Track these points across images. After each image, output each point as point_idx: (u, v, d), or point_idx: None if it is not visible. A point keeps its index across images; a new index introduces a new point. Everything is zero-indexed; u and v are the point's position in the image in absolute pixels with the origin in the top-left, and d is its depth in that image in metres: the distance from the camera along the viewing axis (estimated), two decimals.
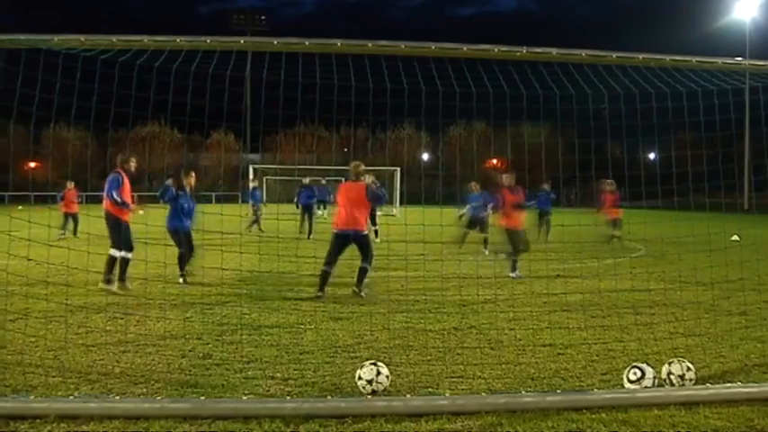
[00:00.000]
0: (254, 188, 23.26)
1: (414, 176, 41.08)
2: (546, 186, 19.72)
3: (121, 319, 7.12)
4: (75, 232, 18.38)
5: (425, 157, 76.82)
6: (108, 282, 9.04)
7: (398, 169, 39.35)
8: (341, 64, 5.22)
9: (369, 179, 19.61)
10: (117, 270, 9.18)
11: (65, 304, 7.42)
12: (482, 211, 15.01)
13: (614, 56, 5.02)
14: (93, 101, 5.71)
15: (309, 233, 19.06)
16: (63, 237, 17.24)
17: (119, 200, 9.09)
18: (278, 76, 5.57)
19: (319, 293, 8.77)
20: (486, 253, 14.51)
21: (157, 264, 9.84)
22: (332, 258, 8.95)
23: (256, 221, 21.39)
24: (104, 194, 9.18)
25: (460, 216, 15.59)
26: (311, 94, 5.84)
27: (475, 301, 8.47)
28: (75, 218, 18.47)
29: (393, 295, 8.90)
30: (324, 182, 25.56)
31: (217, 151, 78.21)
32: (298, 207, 20.92)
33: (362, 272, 9.01)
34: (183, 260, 10.17)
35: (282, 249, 13.36)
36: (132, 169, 9.64)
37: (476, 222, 15.34)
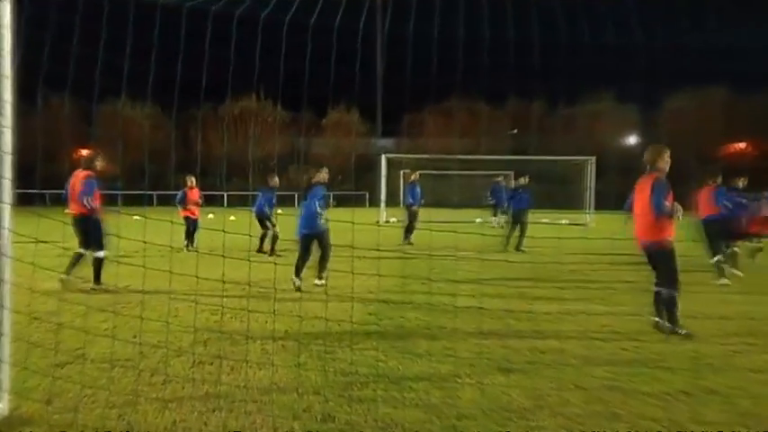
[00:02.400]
0: (413, 183, 23.86)
1: (614, 169, 39.80)
2: None
3: (210, 364, 7.33)
4: (192, 242, 19.81)
5: (632, 140, 74.09)
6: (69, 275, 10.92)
7: (593, 159, 38.30)
8: (515, 10, 5.11)
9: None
10: (82, 271, 10.86)
11: (134, 343, 7.83)
12: None
13: None
14: (177, 65, 5.92)
15: (518, 245, 19.90)
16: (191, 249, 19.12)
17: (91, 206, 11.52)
18: (425, 29, 5.56)
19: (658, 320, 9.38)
20: None
21: (259, 288, 10.33)
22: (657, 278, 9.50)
23: (410, 230, 22.46)
24: (80, 196, 11.47)
25: None
26: (470, 55, 5.76)
27: (713, 353, 8.13)
28: (195, 224, 19.88)
29: (589, 339, 8.72)
30: (501, 179, 25.58)
31: (336, 135, 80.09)
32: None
33: (660, 299, 9.35)
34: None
35: (431, 270, 13.61)
36: (98, 169, 12.11)
37: None
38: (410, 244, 21.84)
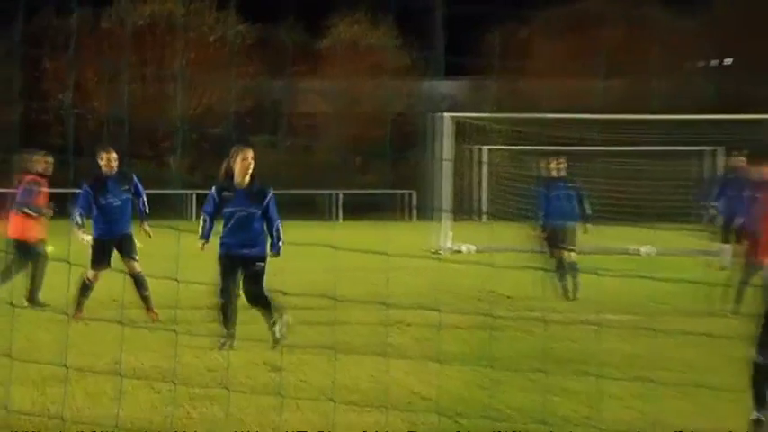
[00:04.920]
0: (552, 180, 24.78)
1: None
2: None
3: None
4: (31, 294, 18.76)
5: None
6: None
7: None
8: None
9: None
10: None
11: None
12: None
13: None
14: None
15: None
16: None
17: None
18: None
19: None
20: None
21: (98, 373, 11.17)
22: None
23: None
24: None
25: None
26: None
27: None
28: (31, 252, 18.97)
29: None
30: (742, 159, 25.65)
31: (347, 72, 78.89)
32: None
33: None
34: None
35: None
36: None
37: None
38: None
